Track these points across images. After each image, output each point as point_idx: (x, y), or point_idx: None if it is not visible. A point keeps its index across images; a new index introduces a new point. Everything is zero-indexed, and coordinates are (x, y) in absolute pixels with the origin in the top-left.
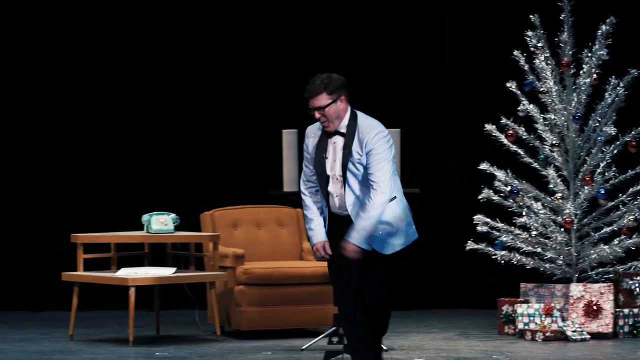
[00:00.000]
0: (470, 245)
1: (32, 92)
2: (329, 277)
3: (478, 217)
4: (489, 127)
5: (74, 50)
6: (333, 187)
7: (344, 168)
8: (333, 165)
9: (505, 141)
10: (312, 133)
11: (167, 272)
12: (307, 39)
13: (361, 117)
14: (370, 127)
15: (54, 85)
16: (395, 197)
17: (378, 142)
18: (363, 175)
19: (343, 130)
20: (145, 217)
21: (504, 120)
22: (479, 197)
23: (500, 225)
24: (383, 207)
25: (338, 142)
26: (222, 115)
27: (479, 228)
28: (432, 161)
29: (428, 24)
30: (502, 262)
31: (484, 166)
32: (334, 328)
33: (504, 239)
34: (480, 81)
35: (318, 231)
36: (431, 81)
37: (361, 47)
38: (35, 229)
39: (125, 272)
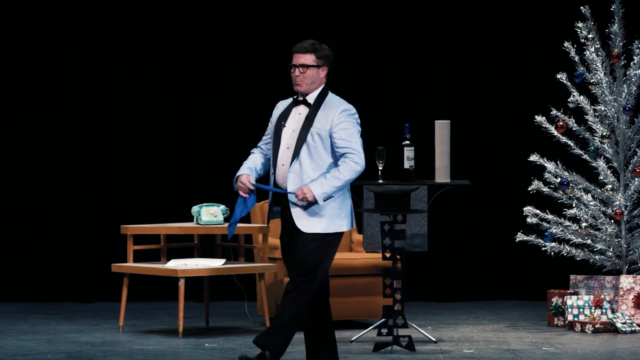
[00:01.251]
0: (520, 237)
1: (83, 79)
2: (286, 269)
3: (528, 209)
4: (539, 118)
5: (128, 35)
6: (283, 157)
7: (301, 137)
8: (291, 134)
9: (556, 133)
10: (281, 105)
11: (217, 263)
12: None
13: (332, 94)
14: (339, 103)
15: (105, 74)
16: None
17: (347, 117)
18: (316, 151)
19: (311, 101)
20: (195, 209)
21: (554, 112)
22: (529, 188)
23: (550, 217)
24: (356, 175)
25: (302, 112)
26: (274, 105)
27: (528, 220)
28: (482, 153)
29: (478, 17)
30: (552, 253)
31: (534, 158)
32: (383, 320)
33: (554, 230)
34: (530, 73)
35: (246, 166)
36: (481, 73)
37: (416, 38)
38: (87, 220)
39: (175, 264)
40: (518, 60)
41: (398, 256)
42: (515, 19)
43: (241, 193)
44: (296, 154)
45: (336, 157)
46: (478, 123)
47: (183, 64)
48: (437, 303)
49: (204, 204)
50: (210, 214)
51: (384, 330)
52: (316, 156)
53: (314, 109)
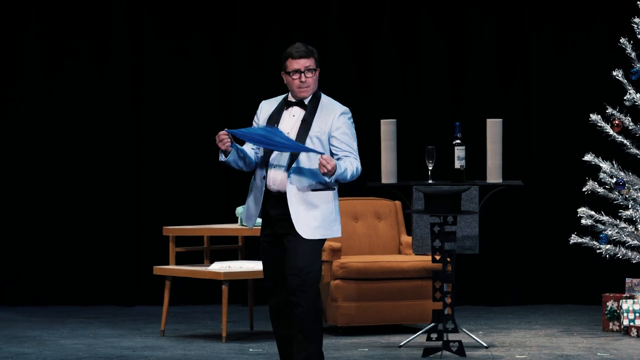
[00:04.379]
0: (574, 239)
1: (124, 81)
2: (264, 275)
3: (582, 210)
4: (594, 117)
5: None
6: (277, 158)
7: (300, 141)
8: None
9: (611, 131)
10: (267, 104)
11: (261, 266)
12: (408, 25)
13: (324, 95)
14: (335, 105)
15: (149, 74)
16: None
17: (346, 121)
18: (315, 154)
19: (306, 103)
20: (239, 210)
21: (609, 110)
22: (584, 189)
23: (605, 218)
24: (356, 173)
25: (297, 114)
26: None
27: (583, 221)
28: (535, 152)
29: (529, 10)
30: (607, 256)
31: (588, 157)
32: (432, 324)
33: (609, 232)
34: (585, 69)
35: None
36: (532, 70)
37: (464, 35)
38: (128, 221)
39: (219, 266)
40: (572, 57)
41: (448, 259)
42: (569, 14)
43: (222, 146)
44: (295, 158)
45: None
46: (530, 121)
47: (225, 55)
48: (488, 307)
49: None
50: None
51: (434, 335)
52: (315, 159)
53: (311, 111)
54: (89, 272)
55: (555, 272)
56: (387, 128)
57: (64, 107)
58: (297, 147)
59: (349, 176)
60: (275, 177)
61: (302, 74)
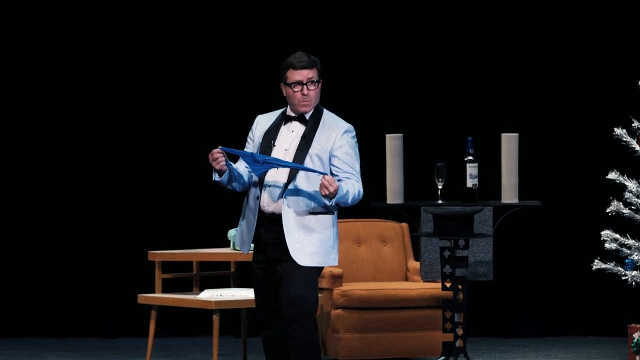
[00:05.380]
0: (598, 264)
1: (105, 87)
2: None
3: (606, 233)
4: (618, 131)
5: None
6: (272, 177)
7: (298, 159)
8: (283, 154)
9: (637, 147)
10: (263, 118)
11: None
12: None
13: (326, 110)
14: (338, 121)
15: (130, 83)
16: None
17: (350, 140)
18: (314, 173)
19: (307, 118)
20: (231, 233)
21: (635, 124)
22: (607, 210)
23: (631, 242)
24: (358, 197)
25: (296, 129)
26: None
27: (607, 245)
28: (554, 170)
29: (549, 17)
30: (633, 283)
31: (612, 175)
32: (443, 357)
33: (635, 257)
34: (608, 80)
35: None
36: (553, 80)
37: (477, 39)
38: (109, 245)
39: (209, 294)
40: (594, 65)
41: (459, 286)
42: (591, 19)
43: (217, 165)
44: (292, 177)
45: None
46: (549, 135)
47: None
48: (503, 339)
49: None
50: None
51: None
52: (314, 179)
53: (312, 127)
54: (67, 301)
55: (576, 300)
56: (393, 143)
57: (39, 118)
58: (297, 165)
59: (350, 200)
60: (270, 198)
61: (304, 86)
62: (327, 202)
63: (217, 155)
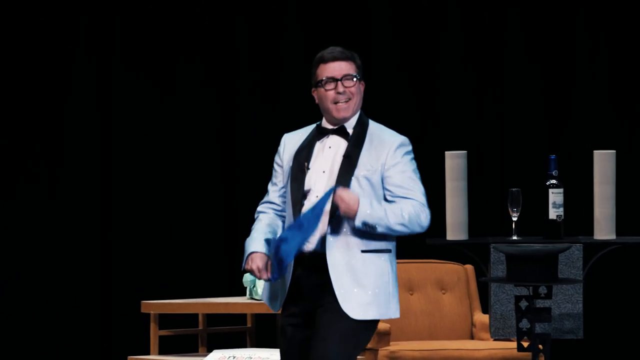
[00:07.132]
0: None
1: (93, 131)
2: None
3: None
4: None
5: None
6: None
7: (343, 184)
8: (319, 177)
9: None
10: (291, 137)
11: (278, 355)
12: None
13: (373, 122)
14: (390, 134)
15: (117, 118)
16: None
17: (405, 156)
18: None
19: (349, 130)
20: (248, 277)
21: None
22: None
23: None
24: (416, 221)
25: (338, 145)
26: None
27: None
28: None
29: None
30: None
31: None
32: None
33: None
34: None
35: (258, 238)
36: None
37: (567, 37)
38: (90, 293)
39: (219, 356)
40: None
41: (541, 346)
42: None
43: (261, 275)
44: (336, 207)
45: None
46: None
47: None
48: None
49: None
50: None
51: None
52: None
53: (356, 141)
54: None
55: None
56: (455, 163)
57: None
58: (318, 210)
59: (397, 224)
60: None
61: (339, 83)
62: (358, 225)
63: (260, 269)
